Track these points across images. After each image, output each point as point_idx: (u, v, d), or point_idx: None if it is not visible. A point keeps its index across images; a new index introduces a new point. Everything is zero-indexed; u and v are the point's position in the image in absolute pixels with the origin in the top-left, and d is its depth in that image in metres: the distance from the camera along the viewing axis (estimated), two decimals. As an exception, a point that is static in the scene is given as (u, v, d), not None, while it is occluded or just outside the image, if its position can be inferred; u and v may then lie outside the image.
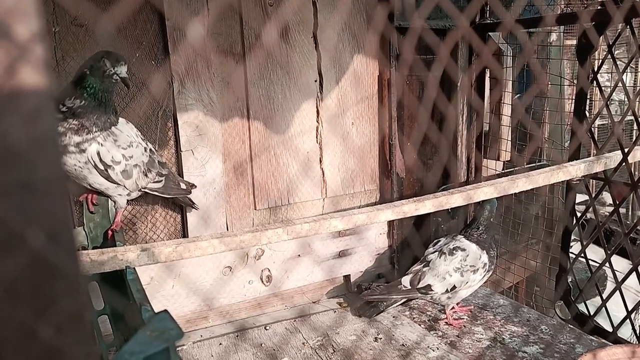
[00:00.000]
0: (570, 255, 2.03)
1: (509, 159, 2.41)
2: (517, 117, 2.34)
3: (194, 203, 1.77)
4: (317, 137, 2.03)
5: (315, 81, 1.98)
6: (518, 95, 2.48)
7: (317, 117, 2.01)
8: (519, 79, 2.47)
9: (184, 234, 1.85)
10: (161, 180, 1.57)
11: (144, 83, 1.67)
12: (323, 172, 2.07)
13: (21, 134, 0.25)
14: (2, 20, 0.25)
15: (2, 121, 0.25)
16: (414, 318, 1.96)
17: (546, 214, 2.57)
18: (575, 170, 1.80)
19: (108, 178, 1.41)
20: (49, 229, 0.27)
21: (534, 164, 2.45)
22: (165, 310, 0.80)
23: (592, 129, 1.94)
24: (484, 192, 1.68)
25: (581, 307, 1.99)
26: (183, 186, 1.67)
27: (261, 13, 1.83)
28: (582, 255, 1.96)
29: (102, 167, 1.38)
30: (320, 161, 2.05)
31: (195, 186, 1.76)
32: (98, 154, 1.36)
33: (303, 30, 1.92)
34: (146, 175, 1.51)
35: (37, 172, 0.26)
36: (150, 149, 1.54)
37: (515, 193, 1.80)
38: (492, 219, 1.91)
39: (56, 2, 1.51)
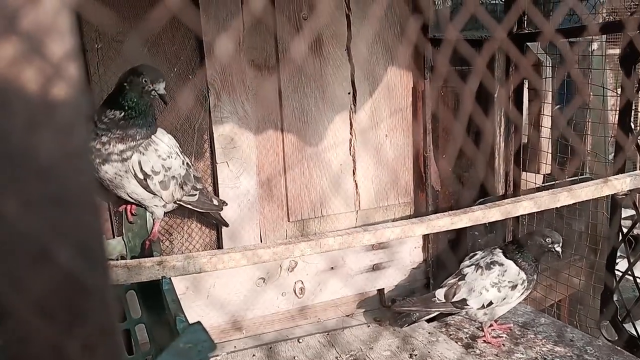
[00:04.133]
0: (617, 273, 1.93)
1: (549, 172, 2.33)
2: (557, 129, 2.27)
3: (224, 220, 1.80)
4: (350, 150, 2.02)
5: (349, 93, 1.98)
6: (558, 106, 2.41)
7: (350, 129, 2.01)
8: (559, 90, 2.40)
9: (219, 245, 1.88)
10: (195, 194, 1.60)
11: (182, 97, 1.72)
12: (356, 184, 2.05)
13: (54, 150, 0.26)
14: (37, 38, 0.26)
15: (35, 136, 0.26)
16: (450, 335, 1.90)
17: (590, 229, 2.47)
18: (620, 184, 1.72)
19: (146, 188, 1.45)
20: (80, 244, 0.27)
21: (576, 177, 2.37)
22: (199, 322, 0.81)
23: (638, 141, 1.86)
24: (523, 206, 1.63)
25: (629, 328, 1.89)
26: (215, 202, 1.70)
27: (295, 27, 1.85)
28: (629, 273, 1.86)
29: (141, 177, 1.42)
30: (354, 173, 2.04)
31: (227, 204, 1.78)
32: (139, 163, 1.40)
33: (336, 43, 1.93)
34: (182, 187, 1.54)
35: (69, 187, 0.26)
36: (187, 163, 1.57)
37: (556, 208, 1.73)
38: (539, 253, 1.79)
39: (99, 19, 1.57)
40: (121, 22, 1.61)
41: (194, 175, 1.59)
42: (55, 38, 0.26)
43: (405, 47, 2.04)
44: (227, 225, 1.82)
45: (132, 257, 1.58)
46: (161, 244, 1.73)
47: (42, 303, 0.26)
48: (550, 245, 1.76)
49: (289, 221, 1.98)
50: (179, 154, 1.53)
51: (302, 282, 2.01)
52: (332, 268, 2.05)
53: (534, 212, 1.77)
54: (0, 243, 0.24)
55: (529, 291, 1.83)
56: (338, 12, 1.90)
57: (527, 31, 2.11)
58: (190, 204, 1.62)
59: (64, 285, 0.26)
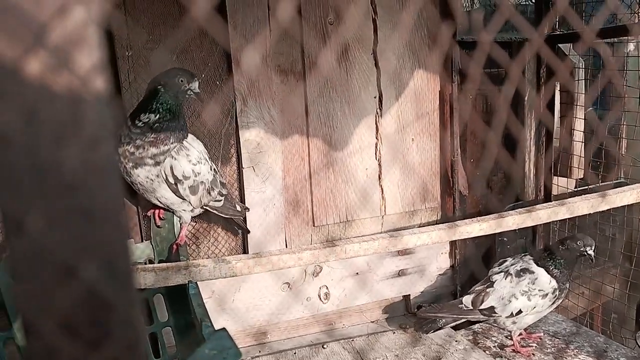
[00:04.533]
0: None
1: (582, 176, 2.26)
2: (591, 132, 2.20)
3: (246, 226, 1.82)
4: (376, 154, 2.00)
5: (375, 98, 1.97)
6: (590, 108, 2.33)
7: (377, 133, 1.99)
8: (592, 92, 2.33)
9: (245, 250, 1.88)
10: (221, 200, 1.62)
11: (209, 102, 1.74)
12: (382, 189, 2.03)
13: (80, 164, 0.26)
14: (65, 51, 0.26)
15: (62, 150, 0.26)
16: (477, 343, 1.86)
17: (625, 236, 2.38)
18: (658, 189, 1.66)
19: (176, 192, 1.47)
20: (105, 260, 0.27)
21: (610, 182, 2.29)
22: (224, 329, 0.82)
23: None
24: (555, 212, 1.59)
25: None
26: (238, 208, 1.71)
27: (321, 32, 1.85)
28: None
29: (172, 181, 1.43)
30: (380, 178, 2.03)
31: (249, 209, 1.79)
32: (171, 167, 1.42)
33: (362, 47, 1.92)
34: (209, 193, 1.55)
35: (95, 202, 0.26)
36: (214, 169, 1.58)
37: (589, 213, 1.68)
38: (572, 258, 1.73)
39: (130, 27, 1.61)
40: (151, 30, 1.64)
41: (220, 181, 1.61)
42: (83, 51, 0.26)
43: (432, 50, 2.02)
44: (248, 231, 1.83)
45: (159, 261, 1.61)
46: (188, 248, 1.75)
47: (67, 319, 0.26)
48: (582, 249, 1.70)
49: (314, 226, 1.97)
50: (207, 159, 1.55)
51: (327, 288, 2.00)
52: (357, 273, 2.03)
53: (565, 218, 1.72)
54: (25, 259, 0.25)
55: (560, 300, 1.77)
56: (364, 16, 1.89)
57: (559, 32, 2.05)
58: (215, 209, 1.63)
59: (89, 301, 0.26)
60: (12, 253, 0.24)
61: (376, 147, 2.00)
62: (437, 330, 1.84)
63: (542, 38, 1.99)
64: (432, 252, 2.14)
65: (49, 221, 0.25)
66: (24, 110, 0.24)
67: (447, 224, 1.60)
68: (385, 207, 2.05)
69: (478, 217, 1.59)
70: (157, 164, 1.40)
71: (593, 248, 1.71)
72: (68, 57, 0.26)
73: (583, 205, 1.60)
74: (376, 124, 1.99)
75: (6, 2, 0.24)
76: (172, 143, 1.41)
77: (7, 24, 0.24)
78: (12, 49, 0.24)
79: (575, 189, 2.32)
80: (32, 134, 0.25)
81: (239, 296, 1.86)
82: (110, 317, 0.27)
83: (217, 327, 1.03)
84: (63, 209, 0.26)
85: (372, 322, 2.08)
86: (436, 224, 2.07)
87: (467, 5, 2.23)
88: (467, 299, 1.79)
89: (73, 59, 0.26)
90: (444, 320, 1.82)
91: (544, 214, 1.57)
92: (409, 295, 2.14)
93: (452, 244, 2.16)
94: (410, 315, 2.12)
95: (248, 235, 1.86)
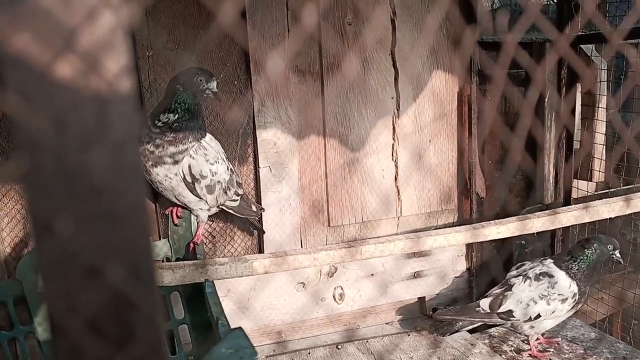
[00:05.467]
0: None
1: (603, 180, 2.22)
2: (613, 135, 2.15)
3: (261, 227, 1.83)
4: (392, 155, 2.00)
5: (392, 98, 1.96)
6: (612, 110, 2.29)
7: (393, 134, 1.98)
8: (615, 94, 2.28)
9: (260, 249, 1.89)
10: (237, 200, 1.63)
11: (227, 102, 1.75)
12: (398, 190, 2.03)
13: (106, 167, 0.26)
14: (93, 56, 0.26)
15: (89, 154, 0.26)
16: (493, 347, 1.84)
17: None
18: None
19: (193, 191, 1.48)
20: (130, 262, 0.27)
21: (632, 186, 2.24)
22: (240, 328, 0.82)
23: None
24: (574, 215, 1.57)
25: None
26: (254, 208, 1.73)
27: (339, 32, 1.84)
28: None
29: (189, 180, 1.45)
30: (396, 179, 2.02)
31: (264, 210, 1.80)
32: (189, 166, 1.44)
33: (381, 48, 1.91)
34: (226, 193, 1.56)
35: (120, 205, 0.27)
36: (231, 169, 1.60)
37: (610, 217, 1.65)
38: (597, 261, 1.70)
39: (150, 27, 1.63)
40: (171, 30, 1.65)
41: (236, 181, 1.62)
42: (111, 55, 0.26)
43: (451, 51, 2.00)
44: (263, 232, 1.83)
45: (176, 259, 1.62)
46: (204, 247, 1.77)
47: (93, 319, 0.26)
48: (611, 253, 1.67)
49: (329, 226, 1.97)
50: (224, 159, 1.56)
51: (342, 288, 2.00)
52: (372, 275, 2.03)
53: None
54: (54, 260, 0.25)
55: (580, 305, 1.74)
56: (383, 16, 1.89)
57: (582, 33, 2.01)
58: (231, 209, 1.64)
59: (114, 301, 0.27)
60: (41, 255, 0.25)
61: (393, 148, 1.99)
62: (453, 333, 1.83)
63: (569, 41, 1.94)
64: (448, 254, 2.12)
65: (77, 223, 0.26)
66: (53, 114, 0.25)
67: (464, 226, 1.59)
68: (401, 209, 2.04)
69: (495, 220, 1.57)
70: (176, 162, 1.42)
71: (619, 251, 1.69)
72: (96, 61, 0.26)
73: (603, 209, 1.57)
74: (393, 124, 1.98)
75: (37, 7, 0.24)
76: (190, 142, 1.43)
77: (37, 29, 0.24)
78: (42, 54, 0.25)
79: (595, 192, 2.28)
80: (61, 138, 0.25)
81: (254, 295, 1.87)
82: (135, 316, 0.28)
83: (232, 325, 1.04)
84: (90, 211, 0.26)
85: (387, 323, 2.07)
86: (452, 226, 2.06)
87: (488, 4, 2.20)
88: (484, 302, 1.77)
89: (101, 63, 0.26)
90: (460, 323, 1.80)
91: (562, 217, 1.55)
92: (424, 297, 2.13)
93: (469, 246, 2.14)
94: (425, 317, 2.10)
95: (264, 234, 1.87)
